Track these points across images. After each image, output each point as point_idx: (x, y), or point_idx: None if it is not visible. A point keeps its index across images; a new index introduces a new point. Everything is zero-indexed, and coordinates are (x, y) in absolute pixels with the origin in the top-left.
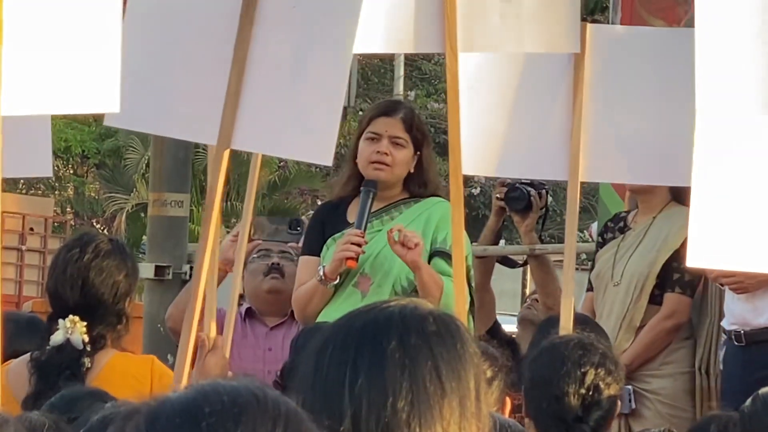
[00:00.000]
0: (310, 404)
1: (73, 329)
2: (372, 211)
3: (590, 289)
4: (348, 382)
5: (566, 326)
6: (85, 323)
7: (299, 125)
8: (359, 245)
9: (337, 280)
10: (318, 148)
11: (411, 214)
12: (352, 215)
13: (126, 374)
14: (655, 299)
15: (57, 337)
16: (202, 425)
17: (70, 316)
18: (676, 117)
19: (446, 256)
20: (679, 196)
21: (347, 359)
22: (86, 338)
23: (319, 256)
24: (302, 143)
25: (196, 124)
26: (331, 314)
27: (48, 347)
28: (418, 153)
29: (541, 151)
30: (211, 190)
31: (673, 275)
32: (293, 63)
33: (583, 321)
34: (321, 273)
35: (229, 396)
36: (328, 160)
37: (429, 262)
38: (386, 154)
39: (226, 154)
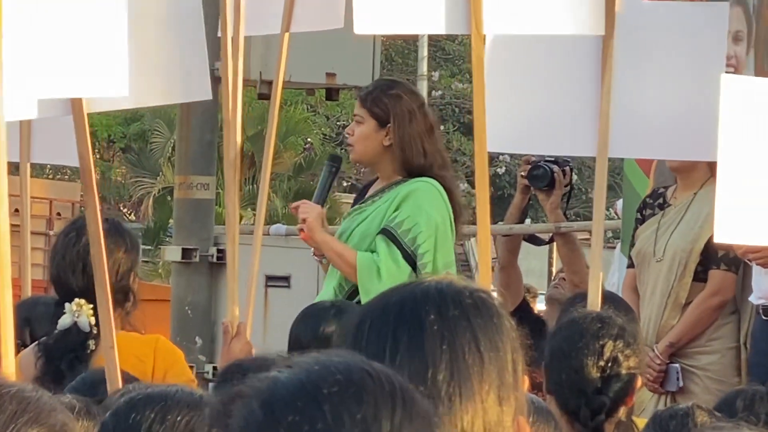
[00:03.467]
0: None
1: (79, 312)
2: (370, 191)
3: (631, 265)
4: (388, 356)
5: (594, 304)
6: (91, 306)
7: (166, 69)
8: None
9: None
10: (193, 86)
11: (386, 199)
12: (371, 191)
13: (128, 354)
14: (699, 276)
15: (64, 321)
16: (324, 408)
17: (76, 300)
18: (704, 92)
19: (388, 235)
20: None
21: (386, 333)
22: (93, 321)
23: None
24: (179, 85)
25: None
26: (327, 286)
27: (55, 331)
28: (389, 127)
29: (568, 127)
30: (81, 159)
31: (718, 252)
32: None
33: (611, 298)
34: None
35: (343, 375)
36: (207, 95)
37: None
38: (349, 134)
39: (85, 117)
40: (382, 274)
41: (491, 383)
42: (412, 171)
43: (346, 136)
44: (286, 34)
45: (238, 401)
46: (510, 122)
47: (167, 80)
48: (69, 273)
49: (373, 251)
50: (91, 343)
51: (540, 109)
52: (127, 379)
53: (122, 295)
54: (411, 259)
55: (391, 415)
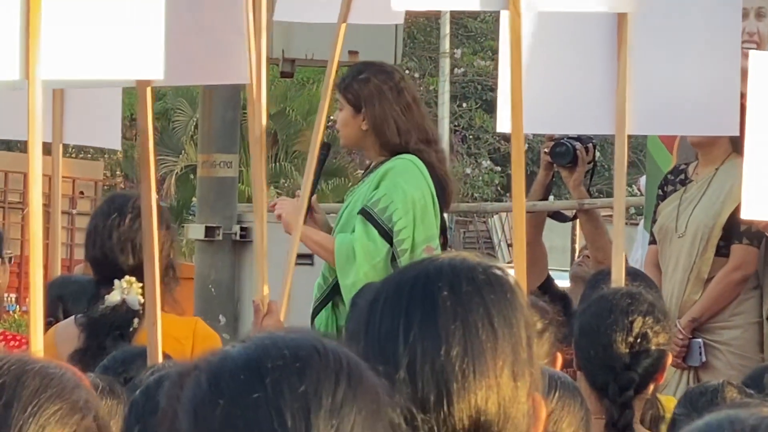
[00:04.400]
0: (364, 355)
1: (129, 290)
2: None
3: (653, 242)
4: (402, 332)
5: (618, 280)
6: (141, 284)
7: (207, 50)
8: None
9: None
10: (234, 68)
11: (369, 180)
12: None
13: (167, 335)
14: (721, 251)
15: (113, 298)
16: (266, 381)
17: (126, 277)
18: (721, 67)
19: (365, 215)
20: (740, 147)
21: (400, 309)
22: (142, 299)
23: None
24: (217, 66)
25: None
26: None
27: (102, 306)
28: (363, 112)
29: (587, 106)
30: (142, 134)
31: (740, 226)
32: None
33: (634, 275)
34: None
35: (290, 350)
36: (245, 78)
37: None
38: (336, 120)
39: (149, 91)
40: (356, 253)
41: (505, 359)
42: (392, 150)
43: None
44: (343, 25)
45: (191, 374)
46: (531, 103)
47: (206, 61)
48: (118, 252)
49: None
50: (136, 321)
51: (561, 89)
52: (166, 359)
53: (165, 271)
54: (388, 236)
55: (333, 391)
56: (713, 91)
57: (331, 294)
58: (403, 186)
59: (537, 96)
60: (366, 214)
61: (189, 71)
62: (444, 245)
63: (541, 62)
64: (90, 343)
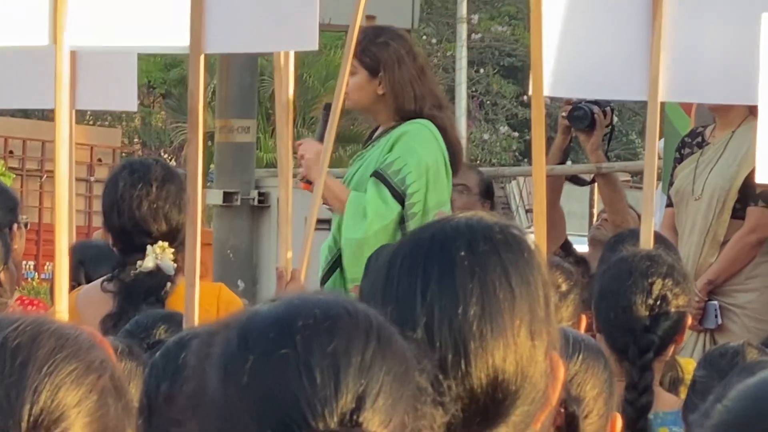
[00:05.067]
0: (382, 315)
1: (162, 255)
2: (372, 138)
3: (670, 204)
4: (419, 291)
5: (647, 243)
6: (172, 250)
7: (274, 17)
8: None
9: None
10: (301, 34)
11: (380, 144)
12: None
13: None
14: (737, 213)
15: (147, 263)
16: (296, 338)
17: (159, 243)
18: (754, 35)
19: (378, 176)
20: (757, 110)
21: (417, 269)
22: (175, 264)
23: None
24: (283, 33)
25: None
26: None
27: (134, 272)
28: (380, 76)
29: (619, 71)
30: (192, 98)
31: (756, 188)
32: None
33: (658, 239)
34: None
35: (320, 309)
36: (314, 45)
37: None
38: (346, 84)
39: (201, 59)
40: (368, 213)
41: (522, 318)
42: (405, 115)
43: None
44: None
45: (221, 332)
46: (561, 67)
47: (277, 28)
48: (150, 221)
49: None
50: (168, 285)
51: (591, 54)
52: (179, 321)
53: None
54: (400, 198)
55: (362, 350)
56: (741, 59)
57: (342, 257)
58: (418, 150)
59: (569, 60)
60: (379, 176)
61: (254, 38)
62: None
63: (575, 26)
64: (125, 308)
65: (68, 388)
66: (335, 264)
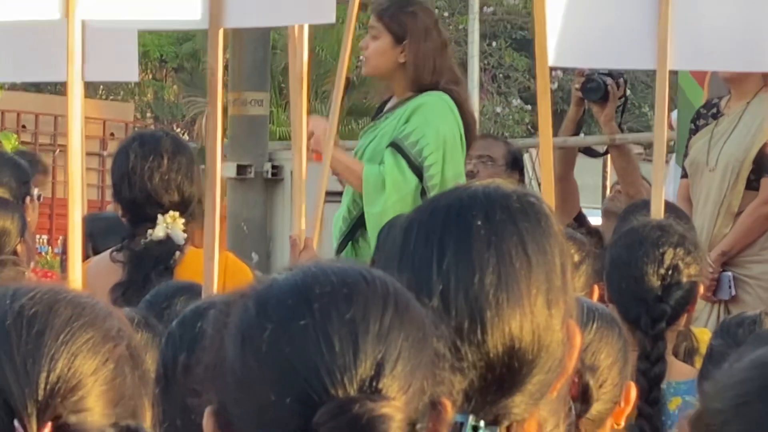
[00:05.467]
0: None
1: (173, 225)
2: (386, 108)
3: (684, 175)
4: (435, 260)
5: (657, 214)
6: (183, 220)
7: None
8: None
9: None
10: (318, 7)
11: (396, 115)
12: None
13: (199, 270)
14: (752, 185)
15: (158, 233)
16: (314, 307)
17: (171, 212)
18: (765, 1)
19: (395, 147)
20: None
21: (434, 237)
22: (185, 235)
23: None
24: (301, 6)
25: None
26: (341, 208)
27: (145, 240)
28: (404, 44)
29: (628, 41)
30: (212, 74)
31: None
32: None
33: (668, 208)
34: None
35: (337, 277)
36: (331, 17)
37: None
38: (363, 48)
39: (220, 33)
40: (386, 185)
41: (539, 287)
42: (421, 87)
43: (361, 48)
44: None
45: (238, 302)
46: (570, 36)
47: (294, 1)
48: (161, 192)
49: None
50: (177, 254)
51: (599, 23)
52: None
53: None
54: (418, 171)
55: (380, 317)
56: (757, 26)
57: (355, 228)
58: (435, 122)
59: (576, 29)
60: (396, 146)
61: (272, 12)
62: None
63: None
64: (135, 276)
65: (85, 357)
66: (348, 236)
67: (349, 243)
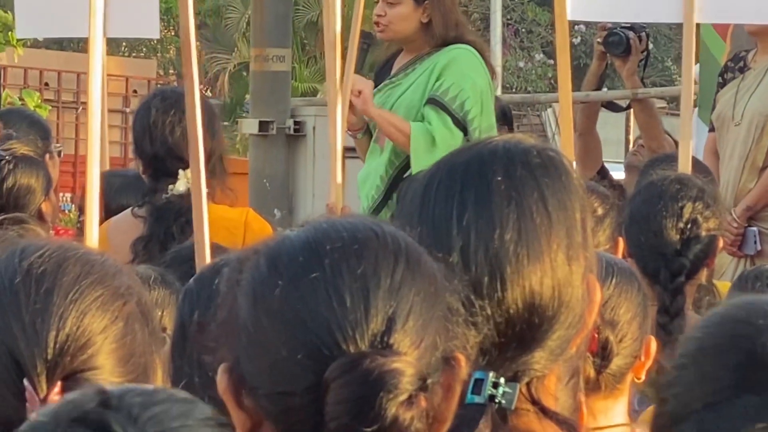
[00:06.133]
0: (418, 240)
1: None
2: (397, 65)
3: (712, 129)
4: (455, 216)
5: (685, 167)
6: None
7: None
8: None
9: (362, 129)
10: None
11: (421, 68)
12: (395, 69)
13: (218, 226)
14: None
15: (179, 187)
16: (325, 262)
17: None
18: None
19: (436, 104)
20: None
21: (454, 193)
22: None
23: None
24: None
25: None
26: (364, 168)
27: (165, 195)
28: (425, 4)
29: None
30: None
31: None
32: None
33: (693, 164)
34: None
35: (348, 232)
36: None
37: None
38: (380, 15)
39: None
40: (437, 142)
41: (559, 243)
42: (444, 42)
43: (377, 16)
44: None
45: (251, 259)
46: None
47: None
48: (183, 146)
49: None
50: None
51: None
52: (218, 249)
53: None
54: (461, 125)
55: (391, 272)
56: None
57: (390, 191)
58: (471, 75)
59: None
60: (437, 103)
61: None
62: None
63: None
64: (156, 230)
65: (94, 315)
66: (386, 196)
67: (388, 201)
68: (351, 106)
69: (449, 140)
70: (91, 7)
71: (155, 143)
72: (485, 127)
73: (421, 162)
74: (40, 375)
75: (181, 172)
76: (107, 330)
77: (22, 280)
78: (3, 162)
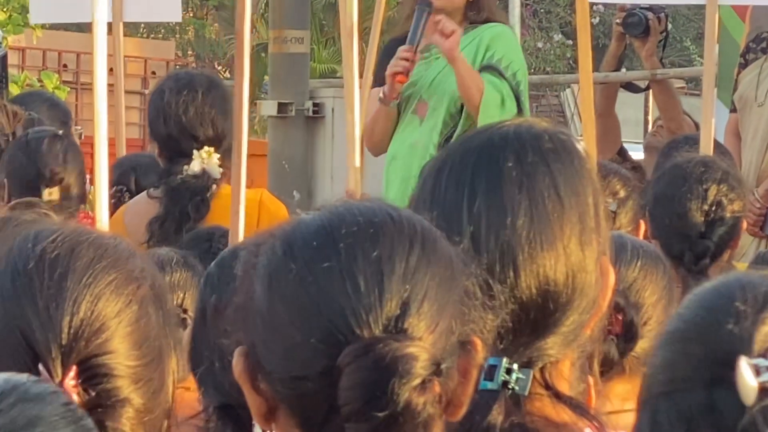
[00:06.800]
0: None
1: (208, 159)
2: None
3: (733, 110)
4: (466, 202)
5: (707, 149)
6: (218, 155)
7: None
8: (408, 60)
9: (398, 99)
10: None
11: (464, 41)
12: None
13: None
14: None
15: (194, 167)
16: (339, 246)
17: (205, 147)
18: None
19: (494, 71)
20: None
21: (465, 179)
22: (221, 169)
23: None
24: None
25: None
26: (397, 141)
27: (181, 176)
28: None
29: None
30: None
31: None
32: None
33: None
34: (381, 94)
35: (364, 217)
36: None
37: None
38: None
39: None
40: (505, 104)
41: (572, 228)
42: (472, 18)
43: None
44: None
45: (267, 243)
46: None
47: None
48: (197, 125)
49: None
50: (214, 187)
51: None
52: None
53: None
54: (515, 94)
55: (406, 256)
56: None
57: None
58: (517, 51)
59: None
60: (495, 69)
61: None
62: None
63: None
64: (171, 209)
65: (108, 299)
66: None
67: None
68: (393, 75)
69: (510, 105)
70: None
71: (169, 123)
72: (526, 103)
73: (489, 117)
74: (55, 360)
75: (195, 152)
76: (121, 314)
77: (36, 265)
78: (55, 137)
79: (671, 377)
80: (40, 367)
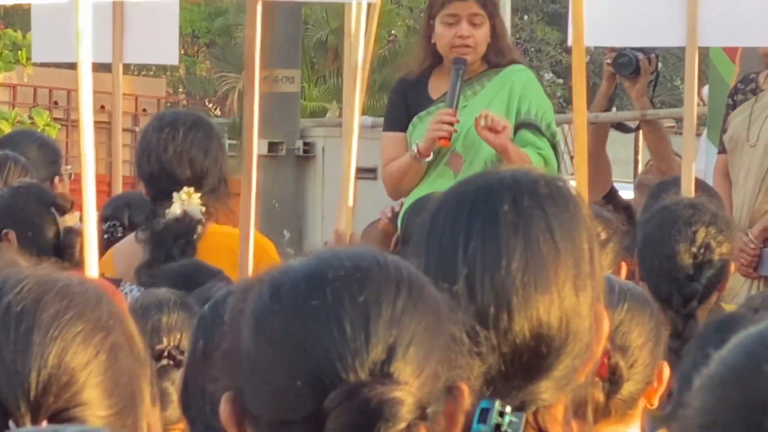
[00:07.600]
0: (424, 268)
1: (189, 201)
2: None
3: (722, 151)
4: (462, 245)
5: (688, 191)
6: (198, 194)
7: None
8: (451, 124)
9: (431, 158)
10: None
11: (494, 88)
12: (434, 92)
13: (220, 246)
14: None
15: (175, 210)
16: (326, 291)
17: (185, 188)
18: None
19: (533, 128)
20: None
21: (461, 222)
22: (203, 209)
23: (403, 131)
24: None
25: None
26: (423, 192)
27: (163, 220)
28: (492, 22)
29: (658, 18)
30: (249, 44)
31: None
32: None
33: (699, 186)
34: (415, 150)
35: (351, 261)
36: None
37: (515, 134)
38: (468, 36)
39: (259, 8)
40: (549, 165)
41: (567, 273)
42: (493, 61)
43: (463, 38)
44: None
45: (255, 287)
46: (600, 15)
47: None
48: (175, 165)
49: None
50: (199, 228)
51: (629, 1)
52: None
53: (219, 183)
54: (552, 145)
55: (393, 301)
56: None
57: None
58: (544, 96)
59: (606, 8)
60: (534, 126)
61: None
62: None
63: None
64: (157, 255)
65: (75, 351)
66: None
67: None
68: (436, 139)
69: (552, 165)
70: (77, 31)
71: (150, 162)
72: (559, 149)
73: None
74: (24, 416)
75: (175, 194)
76: (90, 365)
77: (2, 319)
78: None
79: (709, 422)
80: (11, 422)
